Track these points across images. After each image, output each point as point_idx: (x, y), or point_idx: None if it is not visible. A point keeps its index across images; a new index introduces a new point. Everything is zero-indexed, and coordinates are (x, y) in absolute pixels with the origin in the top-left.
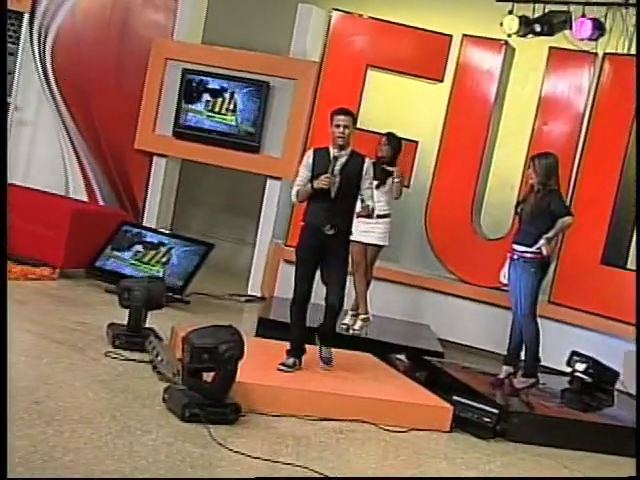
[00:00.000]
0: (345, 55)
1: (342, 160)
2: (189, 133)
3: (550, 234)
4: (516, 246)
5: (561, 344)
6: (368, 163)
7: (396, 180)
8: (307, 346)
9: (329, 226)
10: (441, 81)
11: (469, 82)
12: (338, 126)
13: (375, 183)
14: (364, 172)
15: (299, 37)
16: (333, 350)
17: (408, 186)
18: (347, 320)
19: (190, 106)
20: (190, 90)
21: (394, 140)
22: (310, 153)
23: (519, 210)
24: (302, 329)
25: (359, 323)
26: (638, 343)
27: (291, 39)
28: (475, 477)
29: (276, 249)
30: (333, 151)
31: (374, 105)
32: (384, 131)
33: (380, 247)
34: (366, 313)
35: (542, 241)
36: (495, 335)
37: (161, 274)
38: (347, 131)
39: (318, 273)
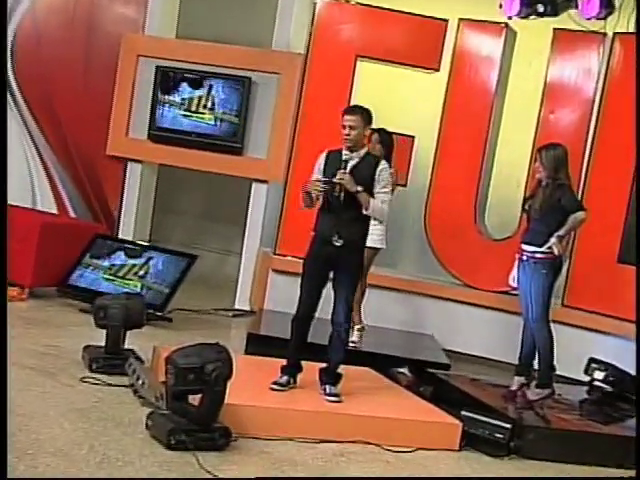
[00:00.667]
0: (332, 46)
1: (352, 163)
2: (165, 135)
3: (562, 232)
4: (525, 246)
5: (577, 350)
6: (382, 166)
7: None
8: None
9: (337, 236)
10: (437, 70)
11: (467, 70)
12: (344, 127)
13: None
14: (377, 175)
15: (282, 28)
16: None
17: (405, 185)
18: (355, 337)
19: (165, 106)
20: (165, 89)
21: (385, 137)
22: (323, 155)
23: (527, 207)
24: (301, 347)
25: (356, 334)
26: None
27: (273, 30)
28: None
29: (264, 258)
30: (344, 152)
31: (365, 99)
32: (377, 127)
33: (376, 250)
34: (360, 322)
35: (553, 239)
36: (505, 343)
37: (140, 290)
38: (354, 132)
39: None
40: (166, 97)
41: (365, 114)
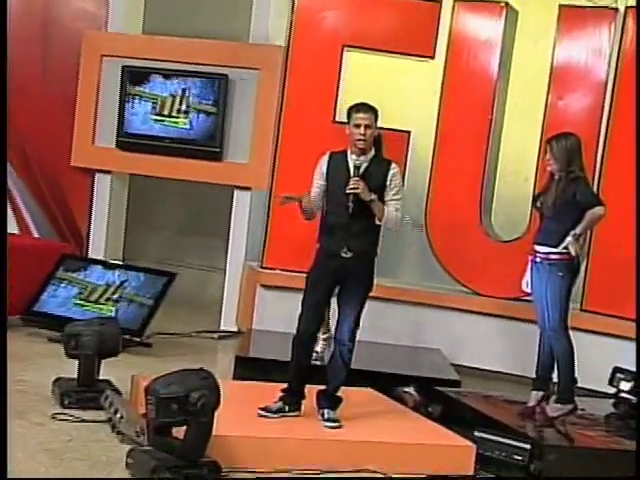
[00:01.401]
0: (316, 36)
1: (362, 168)
2: (136, 142)
3: (578, 229)
4: (538, 247)
5: (600, 360)
6: (395, 170)
7: None
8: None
9: (346, 248)
10: (432, 58)
11: (465, 56)
12: (358, 126)
13: None
14: (388, 181)
15: (259, 18)
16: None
17: (402, 185)
18: (319, 347)
19: (134, 110)
20: (133, 91)
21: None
22: (325, 158)
23: (538, 204)
24: (303, 370)
25: (321, 344)
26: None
27: (250, 22)
28: None
29: (251, 273)
30: (351, 157)
31: (354, 93)
32: None
33: None
34: (328, 332)
35: (569, 238)
36: (520, 355)
37: (114, 314)
38: (369, 132)
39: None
40: (135, 100)
41: (376, 113)
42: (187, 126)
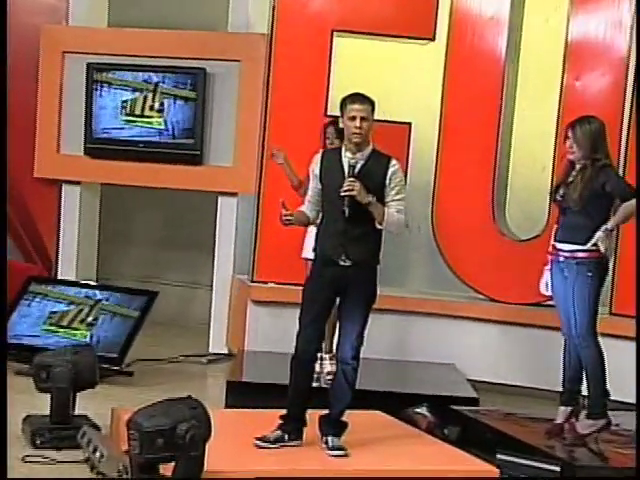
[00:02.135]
0: (301, 21)
1: (358, 165)
2: (106, 148)
3: (610, 224)
4: (562, 245)
5: (633, 369)
6: (395, 166)
7: None
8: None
9: (344, 256)
10: (432, 40)
11: (469, 36)
12: (353, 118)
13: None
14: (388, 179)
15: (237, 4)
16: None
17: (405, 183)
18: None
19: (103, 112)
20: (100, 90)
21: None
22: (317, 158)
23: (559, 197)
24: (303, 394)
25: (328, 364)
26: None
27: (228, 8)
28: None
29: (240, 288)
30: (346, 153)
31: (347, 83)
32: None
33: None
34: (332, 351)
35: (600, 234)
36: (543, 367)
37: (89, 340)
38: (366, 125)
39: None
40: (103, 101)
41: (373, 104)
42: (163, 127)
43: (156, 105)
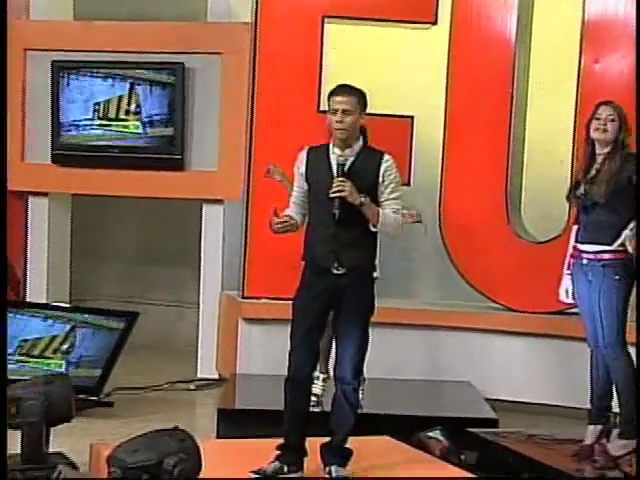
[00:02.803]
0: (288, 7)
1: (347, 163)
2: (77, 155)
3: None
4: (585, 246)
5: None
6: (388, 162)
7: None
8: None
9: (337, 263)
10: (434, 23)
11: (475, 18)
12: (335, 112)
13: None
14: (381, 177)
15: None
16: None
17: (407, 183)
18: (317, 389)
19: (72, 115)
20: (68, 91)
21: None
22: (302, 156)
23: (579, 193)
24: (300, 420)
25: (319, 385)
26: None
27: None
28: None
29: (230, 305)
30: (334, 150)
31: (341, 74)
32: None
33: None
34: (326, 372)
35: (627, 232)
36: (568, 382)
37: (64, 369)
38: (349, 119)
39: None
40: (72, 103)
41: (361, 96)
42: (140, 130)
43: (132, 107)
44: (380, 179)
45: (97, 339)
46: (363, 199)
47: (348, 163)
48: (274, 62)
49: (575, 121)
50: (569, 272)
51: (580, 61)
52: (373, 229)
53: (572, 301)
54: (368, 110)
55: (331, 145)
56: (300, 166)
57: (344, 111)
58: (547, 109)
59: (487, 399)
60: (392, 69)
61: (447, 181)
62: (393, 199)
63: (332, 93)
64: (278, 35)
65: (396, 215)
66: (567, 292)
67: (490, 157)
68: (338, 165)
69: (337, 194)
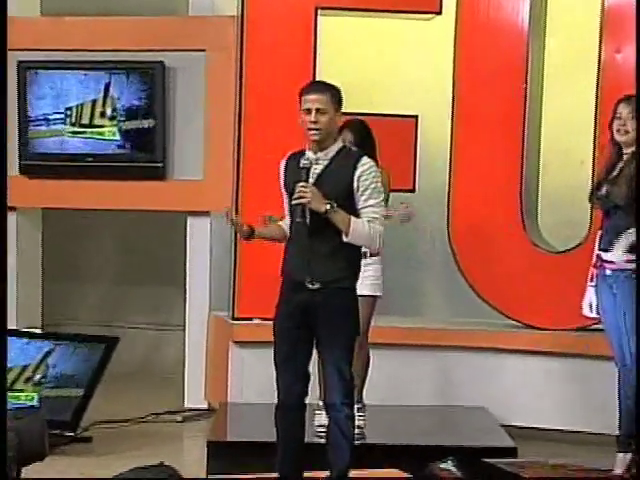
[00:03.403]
0: None
1: (319, 168)
2: (47, 165)
3: None
4: (609, 255)
5: None
6: (364, 165)
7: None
8: None
9: (310, 277)
10: (438, 13)
11: (483, 5)
12: (308, 111)
13: None
14: (355, 182)
15: None
16: None
17: (412, 189)
18: (323, 419)
19: (41, 121)
20: (36, 94)
21: (357, 125)
22: (282, 164)
23: (601, 194)
24: (293, 451)
25: (357, 417)
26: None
27: None
28: None
29: (219, 327)
30: (307, 154)
31: (337, 71)
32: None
33: (374, 299)
34: (360, 400)
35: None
36: (594, 406)
37: (37, 403)
38: (324, 119)
39: None
40: (40, 108)
41: (335, 93)
42: (116, 137)
43: (107, 111)
44: (355, 184)
45: (73, 368)
46: (328, 206)
47: (320, 167)
48: (263, 59)
49: (596, 117)
50: (593, 284)
51: (600, 51)
52: (345, 239)
53: (596, 316)
54: (367, 110)
55: (307, 149)
56: (281, 175)
57: (318, 110)
58: (564, 104)
59: (504, 425)
60: (392, 65)
61: (456, 186)
62: (369, 207)
63: (304, 91)
64: (267, 29)
65: (373, 225)
66: (591, 306)
67: (503, 159)
68: (301, 169)
69: (299, 201)
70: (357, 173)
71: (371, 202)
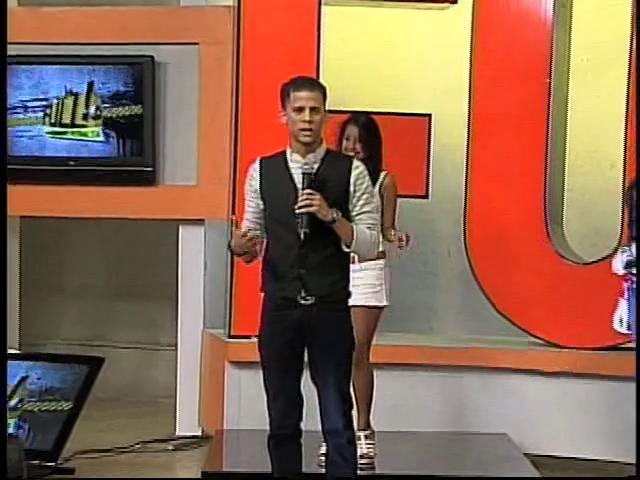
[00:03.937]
0: None
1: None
2: (25, 170)
3: None
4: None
5: None
6: (359, 169)
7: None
8: None
9: (304, 292)
10: (453, 2)
11: None
12: (301, 109)
13: None
14: (352, 185)
15: None
16: None
17: (425, 195)
18: (363, 448)
19: (17, 122)
20: (12, 93)
21: (363, 120)
22: (254, 169)
23: (634, 197)
24: None
25: (364, 445)
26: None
27: None
28: None
29: (213, 346)
30: (293, 157)
31: (342, 66)
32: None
33: (377, 310)
34: (368, 427)
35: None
36: (627, 432)
37: (15, 430)
38: (318, 118)
39: None
40: (18, 107)
41: (325, 90)
42: (101, 138)
43: (91, 110)
44: (351, 189)
45: (54, 392)
46: (335, 215)
47: (313, 171)
48: (262, 54)
49: (627, 116)
50: (625, 297)
51: (631, 43)
52: (346, 249)
53: (627, 332)
54: (375, 108)
55: (288, 151)
56: (253, 182)
57: (312, 109)
58: (592, 102)
59: (526, 454)
60: (403, 59)
61: (473, 191)
62: (367, 212)
63: (294, 88)
64: (266, 21)
65: (372, 232)
66: (622, 321)
67: (525, 161)
68: (304, 175)
69: (305, 209)
70: (353, 177)
71: (368, 208)
